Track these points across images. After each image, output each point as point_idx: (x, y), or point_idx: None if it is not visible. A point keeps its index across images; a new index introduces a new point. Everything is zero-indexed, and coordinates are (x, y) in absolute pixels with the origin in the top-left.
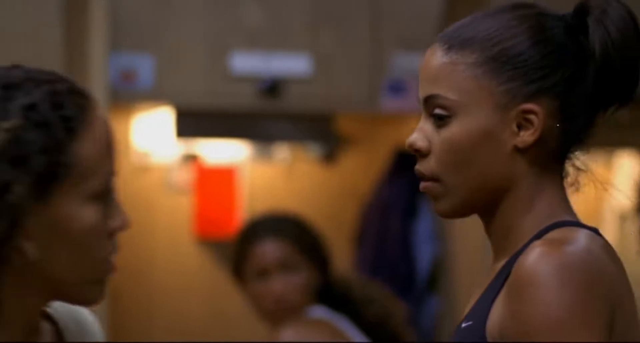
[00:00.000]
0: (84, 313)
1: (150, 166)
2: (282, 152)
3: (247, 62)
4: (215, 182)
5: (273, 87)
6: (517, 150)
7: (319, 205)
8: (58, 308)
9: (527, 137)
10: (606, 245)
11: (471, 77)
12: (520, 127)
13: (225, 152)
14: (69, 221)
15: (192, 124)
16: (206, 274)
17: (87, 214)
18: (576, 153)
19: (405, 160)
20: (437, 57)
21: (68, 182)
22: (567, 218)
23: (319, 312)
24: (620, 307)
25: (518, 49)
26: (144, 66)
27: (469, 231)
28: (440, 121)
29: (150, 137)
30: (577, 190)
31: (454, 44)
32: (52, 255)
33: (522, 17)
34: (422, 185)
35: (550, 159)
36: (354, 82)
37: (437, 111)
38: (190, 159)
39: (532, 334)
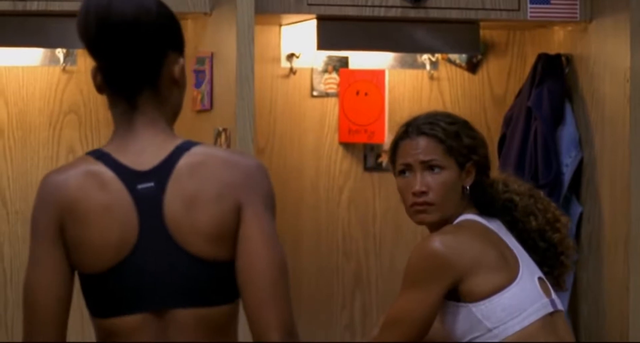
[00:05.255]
0: None
1: (296, 71)
2: (426, 58)
3: None
4: (360, 86)
5: None
6: None
7: (462, 113)
8: None
9: None
10: None
11: None
12: None
13: (370, 56)
14: None
15: (335, 33)
16: (350, 176)
17: None
18: None
19: (549, 67)
20: None
21: None
22: None
23: (470, 218)
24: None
25: None
26: None
27: (615, 137)
28: None
29: (296, 43)
30: None
31: None
32: None
33: None
34: None
35: None
36: None
37: None
38: (336, 63)
39: None
